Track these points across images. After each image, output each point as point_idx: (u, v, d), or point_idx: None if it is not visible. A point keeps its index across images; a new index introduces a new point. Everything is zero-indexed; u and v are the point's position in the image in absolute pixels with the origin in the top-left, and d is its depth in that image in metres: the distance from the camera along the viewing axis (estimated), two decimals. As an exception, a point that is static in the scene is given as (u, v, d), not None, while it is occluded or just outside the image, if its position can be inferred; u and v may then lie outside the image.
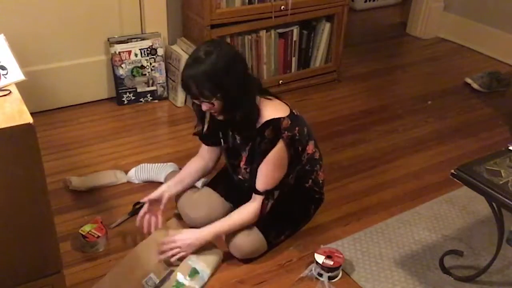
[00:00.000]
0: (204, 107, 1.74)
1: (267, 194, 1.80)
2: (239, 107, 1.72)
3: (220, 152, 2.02)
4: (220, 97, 1.68)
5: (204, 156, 2.02)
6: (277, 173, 1.79)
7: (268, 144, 1.74)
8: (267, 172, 1.77)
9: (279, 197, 1.87)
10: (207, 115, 1.90)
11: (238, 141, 1.86)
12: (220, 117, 1.77)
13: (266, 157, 1.75)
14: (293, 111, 1.80)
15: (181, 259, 1.81)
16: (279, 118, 1.73)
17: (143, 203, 1.99)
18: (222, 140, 1.93)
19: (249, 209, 1.82)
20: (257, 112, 1.75)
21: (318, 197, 2.04)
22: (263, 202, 1.80)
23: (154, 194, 1.94)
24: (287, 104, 1.82)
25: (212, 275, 1.83)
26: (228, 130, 1.89)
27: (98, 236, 1.90)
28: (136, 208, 2.03)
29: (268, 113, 1.75)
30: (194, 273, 1.79)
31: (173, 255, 1.80)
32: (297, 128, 1.77)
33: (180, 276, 1.77)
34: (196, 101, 1.76)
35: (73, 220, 2.05)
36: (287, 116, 1.75)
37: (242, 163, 1.88)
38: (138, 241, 1.95)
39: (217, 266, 1.86)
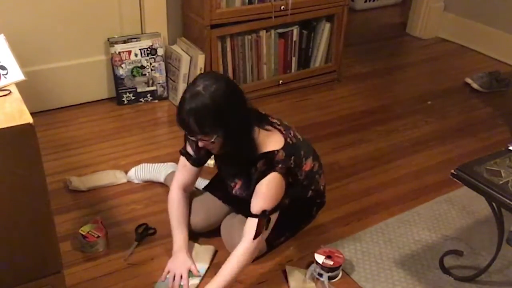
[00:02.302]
0: (201, 143, 1.67)
1: (262, 215, 1.71)
2: (238, 143, 1.68)
3: (200, 171, 1.95)
4: (221, 133, 1.62)
5: (187, 182, 1.92)
6: (270, 201, 1.71)
7: (260, 175, 1.69)
8: (261, 199, 1.70)
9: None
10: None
11: (230, 170, 1.85)
12: (216, 151, 1.73)
13: (259, 186, 1.70)
14: (288, 140, 1.74)
15: None
16: (273, 152, 1.69)
17: (145, 225, 2.00)
18: (216, 161, 1.91)
19: (245, 247, 1.70)
20: (254, 146, 1.70)
21: (319, 201, 2.04)
22: (259, 222, 1.70)
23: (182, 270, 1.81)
24: (282, 132, 1.76)
25: (208, 268, 1.84)
26: (222, 158, 1.86)
27: (98, 236, 1.90)
28: (140, 232, 2.00)
29: (263, 145, 1.70)
30: (192, 274, 1.80)
31: None
32: (292, 158, 1.73)
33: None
34: (192, 138, 1.68)
35: (73, 220, 2.05)
36: (282, 148, 1.70)
37: (237, 186, 1.86)
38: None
39: (213, 259, 1.88)
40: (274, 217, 1.74)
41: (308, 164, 1.85)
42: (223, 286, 1.66)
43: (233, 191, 1.88)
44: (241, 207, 1.87)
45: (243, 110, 1.67)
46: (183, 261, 1.81)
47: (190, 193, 2.01)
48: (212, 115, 1.58)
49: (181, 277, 1.79)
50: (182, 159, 1.90)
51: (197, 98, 1.57)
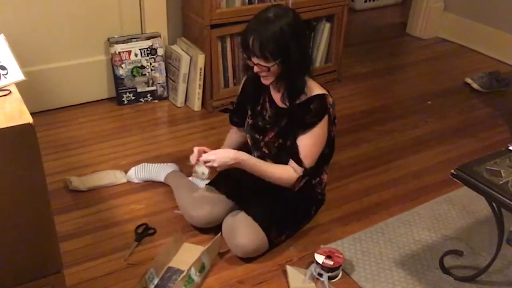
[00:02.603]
0: (257, 68, 1.73)
1: (305, 168, 1.83)
2: (294, 76, 1.74)
3: (243, 136, 2.08)
4: (280, 62, 1.68)
5: (235, 131, 2.12)
6: (317, 148, 1.82)
7: (315, 117, 1.77)
8: (311, 146, 1.80)
9: (280, 197, 1.87)
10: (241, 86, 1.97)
11: (267, 117, 1.88)
12: (268, 82, 1.79)
13: (311, 130, 1.77)
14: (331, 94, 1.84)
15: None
16: (324, 94, 1.78)
17: (145, 225, 2.01)
18: (249, 117, 1.95)
19: (289, 171, 1.83)
20: (305, 86, 1.78)
21: (320, 198, 2.04)
22: (298, 177, 1.83)
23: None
24: (322, 86, 1.86)
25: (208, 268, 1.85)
26: (259, 105, 1.90)
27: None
28: (139, 232, 2.01)
29: (313, 89, 1.79)
30: (202, 268, 1.80)
31: (205, 162, 1.82)
32: (334, 110, 1.82)
33: (193, 271, 1.77)
34: (250, 61, 1.74)
35: (73, 220, 2.05)
36: (330, 95, 1.80)
37: (269, 137, 1.90)
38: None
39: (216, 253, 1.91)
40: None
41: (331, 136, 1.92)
42: (255, 163, 1.84)
43: (262, 147, 1.93)
44: (245, 202, 1.87)
45: (304, 46, 1.77)
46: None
47: (193, 191, 2.04)
48: (276, 43, 1.65)
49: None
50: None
51: (267, 23, 1.65)
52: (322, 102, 1.77)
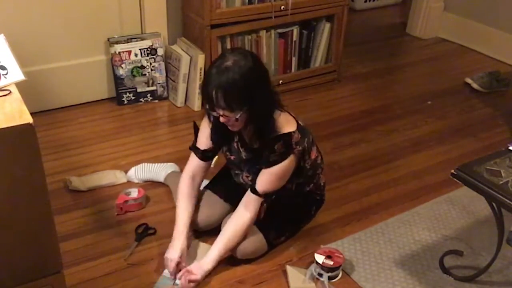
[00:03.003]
0: (224, 119, 1.67)
1: (265, 196, 1.79)
2: (262, 120, 1.70)
3: (208, 167, 1.98)
4: (247, 110, 1.63)
5: (195, 173, 1.94)
6: (279, 182, 1.79)
7: (278, 157, 1.72)
8: (271, 180, 1.76)
9: (280, 198, 1.87)
10: (202, 127, 1.89)
11: (244, 156, 1.86)
12: (236, 129, 1.74)
13: (272, 168, 1.74)
14: (299, 122, 1.79)
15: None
16: (289, 133, 1.72)
17: (145, 225, 2.01)
18: (228, 153, 1.92)
19: (243, 218, 1.79)
20: (274, 126, 1.71)
21: (319, 198, 2.04)
22: (262, 203, 1.79)
23: (174, 257, 1.79)
24: (292, 116, 1.80)
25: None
26: (233, 144, 1.87)
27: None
28: (139, 232, 2.00)
29: (279, 127, 1.72)
30: None
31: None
32: (305, 140, 1.77)
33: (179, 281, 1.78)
34: (214, 113, 1.68)
35: (73, 220, 2.05)
36: (297, 129, 1.74)
37: (244, 175, 1.89)
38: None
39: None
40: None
41: (313, 153, 1.88)
42: (216, 259, 1.78)
43: (241, 178, 1.90)
44: None
45: (268, 87, 1.70)
46: (175, 249, 1.79)
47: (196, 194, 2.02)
48: (240, 91, 1.60)
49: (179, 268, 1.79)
50: (192, 155, 1.94)
51: (227, 73, 1.58)
52: (287, 142, 1.71)
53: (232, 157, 1.91)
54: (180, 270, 1.77)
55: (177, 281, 1.77)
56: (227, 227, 1.81)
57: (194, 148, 1.93)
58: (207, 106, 1.69)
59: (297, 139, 1.73)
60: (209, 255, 1.80)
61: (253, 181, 1.82)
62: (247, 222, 1.80)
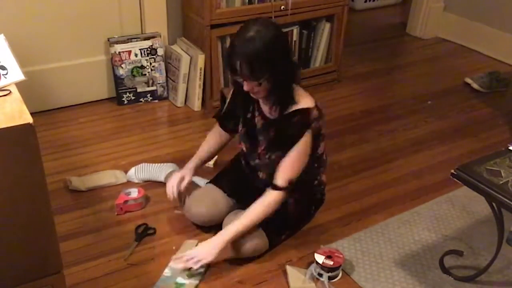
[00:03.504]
0: (247, 86, 1.72)
1: (287, 189, 1.80)
2: (283, 88, 1.74)
3: (231, 138, 2.07)
4: (269, 77, 1.68)
5: (221, 135, 2.07)
6: (298, 163, 1.79)
7: (296, 132, 1.75)
8: (292, 162, 1.78)
9: None
10: (229, 96, 1.95)
11: (259, 126, 1.87)
12: (259, 96, 1.78)
13: (292, 150, 1.76)
14: (317, 103, 1.81)
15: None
16: (308, 108, 1.75)
17: (145, 225, 2.01)
18: (241, 125, 1.94)
19: (270, 200, 1.80)
20: (293, 98, 1.76)
21: (319, 198, 2.04)
22: (284, 194, 1.79)
23: (176, 179, 1.97)
24: (310, 96, 1.83)
25: (209, 266, 1.83)
26: (249, 113, 1.89)
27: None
28: (139, 232, 2.00)
29: (299, 100, 1.76)
30: (191, 273, 1.80)
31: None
32: (320, 121, 1.79)
33: (179, 278, 1.78)
34: (239, 80, 1.74)
35: (73, 220, 2.05)
36: (315, 107, 1.77)
37: (260, 149, 1.89)
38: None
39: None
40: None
41: (322, 146, 1.89)
42: (236, 230, 1.78)
43: (256, 157, 1.91)
44: (246, 200, 1.87)
45: (289, 57, 1.75)
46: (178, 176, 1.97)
47: (194, 188, 2.04)
48: (263, 60, 1.64)
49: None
50: (215, 126, 2.07)
51: (250, 42, 1.63)
52: (305, 116, 1.75)
53: (247, 129, 1.92)
54: (180, 199, 1.96)
55: (179, 279, 1.77)
56: (249, 211, 1.81)
57: (217, 115, 2.05)
58: (232, 75, 1.76)
59: (316, 115, 1.76)
60: (229, 227, 1.80)
61: (272, 159, 1.84)
62: (275, 201, 1.80)
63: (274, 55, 1.66)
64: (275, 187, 1.79)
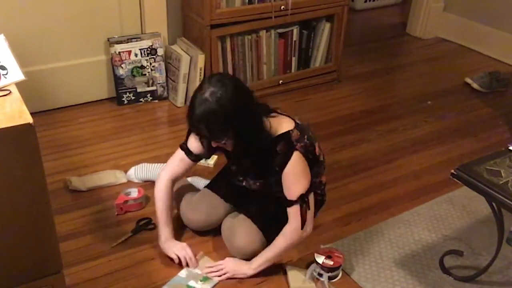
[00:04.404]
0: (214, 144, 1.73)
1: (301, 199, 1.76)
2: (250, 140, 1.70)
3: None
4: (231, 135, 1.65)
5: (178, 174, 1.95)
6: (303, 180, 1.75)
7: (283, 158, 1.72)
8: (294, 182, 1.74)
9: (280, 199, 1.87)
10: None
11: (245, 164, 1.85)
12: (229, 148, 1.76)
13: (284, 171, 1.72)
14: (296, 120, 1.78)
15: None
16: (288, 132, 1.72)
17: (147, 219, 2.02)
18: (226, 157, 1.94)
19: (291, 228, 1.78)
20: (268, 136, 1.72)
21: (320, 199, 2.04)
22: (301, 208, 1.76)
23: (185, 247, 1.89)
24: (288, 116, 1.80)
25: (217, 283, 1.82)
26: (232, 153, 1.86)
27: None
28: (140, 225, 2.01)
29: (276, 130, 1.73)
30: (206, 278, 1.81)
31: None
32: (305, 136, 1.76)
33: (191, 281, 1.79)
34: (205, 140, 1.75)
35: (73, 220, 2.05)
36: (294, 128, 1.74)
37: (250, 180, 1.89)
38: (138, 242, 1.96)
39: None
40: (311, 197, 1.79)
41: (317, 148, 1.87)
42: (267, 262, 1.81)
43: (245, 183, 1.90)
44: (243, 205, 1.87)
45: (250, 110, 1.69)
46: (182, 245, 1.88)
47: (191, 194, 2.03)
48: (220, 121, 1.61)
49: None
50: (180, 152, 1.92)
51: (205, 104, 1.59)
52: (287, 140, 1.71)
53: (233, 168, 1.92)
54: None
55: (191, 282, 1.78)
56: (278, 238, 1.81)
57: (186, 148, 1.92)
58: (188, 129, 1.74)
59: (297, 136, 1.73)
60: (256, 260, 1.82)
61: (261, 184, 1.84)
62: (295, 232, 1.78)
63: (230, 114, 1.61)
64: (289, 203, 1.76)
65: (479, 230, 2.09)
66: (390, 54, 3.79)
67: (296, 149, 1.72)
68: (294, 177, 1.73)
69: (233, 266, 1.83)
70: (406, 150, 2.63)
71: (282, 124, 1.75)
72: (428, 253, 1.98)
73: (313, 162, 1.79)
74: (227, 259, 1.85)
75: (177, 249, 1.87)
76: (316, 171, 1.92)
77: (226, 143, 1.70)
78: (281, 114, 1.81)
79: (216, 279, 1.81)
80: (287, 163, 1.71)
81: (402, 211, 2.19)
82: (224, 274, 1.82)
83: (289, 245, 1.80)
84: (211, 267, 1.84)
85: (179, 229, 2.02)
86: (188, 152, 1.91)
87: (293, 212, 1.75)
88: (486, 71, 3.30)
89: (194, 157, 1.91)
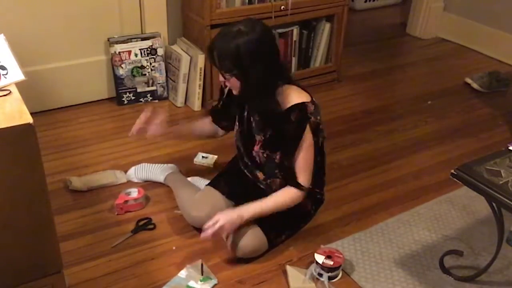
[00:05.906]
0: (220, 77, 1.78)
1: (308, 188, 1.83)
2: (257, 92, 1.74)
3: (220, 134, 2.12)
4: (237, 75, 1.71)
5: (212, 125, 2.11)
6: (309, 158, 1.80)
7: (298, 128, 1.75)
8: (302, 159, 1.79)
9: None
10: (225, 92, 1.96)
11: (254, 125, 1.87)
12: (235, 92, 1.80)
13: (299, 142, 1.76)
14: (313, 99, 1.81)
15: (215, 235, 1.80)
16: (304, 103, 1.76)
17: (147, 219, 2.02)
18: (237, 123, 1.96)
19: (291, 193, 1.83)
20: (275, 102, 1.76)
21: (319, 198, 2.04)
22: (302, 195, 1.83)
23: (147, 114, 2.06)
24: (307, 91, 1.83)
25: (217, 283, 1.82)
26: (244, 112, 1.90)
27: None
28: (140, 225, 2.01)
29: (292, 98, 1.76)
30: (206, 278, 1.80)
31: (214, 235, 1.78)
32: (318, 117, 1.79)
33: (191, 281, 1.78)
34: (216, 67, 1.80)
35: (73, 220, 2.05)
36: (311, 102, 1.78)
37: (256, 147, 1.89)
38: (138, 242, 1.96)
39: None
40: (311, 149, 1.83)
41: (321, 142, 1.90)
42: (261, 209, 1.82)
43: (251, 156, 1.92)
44: (243, 201, 1.87)
45: (265, 64, 1.72)
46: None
47: (193, 191, 2.05)
48: (232, 59, 1.68)
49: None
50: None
51: (226, 38, 1.68)
52: (303, 111, 1.75)
53: (243, 128, 1.93)
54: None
55: (191, 282, 1.77)
56: (275, 194, 1.84)
57: (212, 110, 2.11)
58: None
59: (311, 109, 1.76)
60: (248, 212, 1.81)
61: (267, 158, 1.86)
62: (295, 197, 1.83)
63: (244, 59, 1.67)
64: (299, 186, 1.81)
65: (479, 230, 2.09)
66: (390, 54, 3.79)
67: (310, 123, 1.75)
68: (307, 156, 1.78)
69: (225, 217, 1.79)
70: (406, 150, 2.63)
71: (301, 94, 1.79)
72: (428, 253, 1.98)
73: (317, 151, 1.82)
74: (218, 213, 1.81)
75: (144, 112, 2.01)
76: (318, 166, 1.92)
77: (230, 82, 1.75)
78: (301, 86, 1.84)
79: (215, 281, 1.80)
80: (301, 135, 1.75)
81: (402, 211, 2.19)
82: (219, 224, 1.77)
83: (283, 205, 1.83)
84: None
85: (182, 228, 2.02)
86: (214, 112, 2.07)
87: (295, 193, 1.82)
88: (486, 71, 3.30)
89: (218, 116, 2.05)
